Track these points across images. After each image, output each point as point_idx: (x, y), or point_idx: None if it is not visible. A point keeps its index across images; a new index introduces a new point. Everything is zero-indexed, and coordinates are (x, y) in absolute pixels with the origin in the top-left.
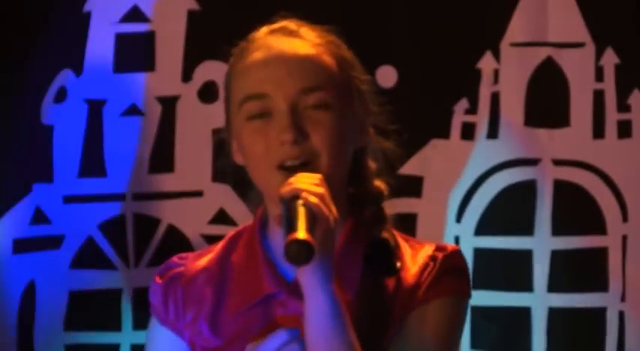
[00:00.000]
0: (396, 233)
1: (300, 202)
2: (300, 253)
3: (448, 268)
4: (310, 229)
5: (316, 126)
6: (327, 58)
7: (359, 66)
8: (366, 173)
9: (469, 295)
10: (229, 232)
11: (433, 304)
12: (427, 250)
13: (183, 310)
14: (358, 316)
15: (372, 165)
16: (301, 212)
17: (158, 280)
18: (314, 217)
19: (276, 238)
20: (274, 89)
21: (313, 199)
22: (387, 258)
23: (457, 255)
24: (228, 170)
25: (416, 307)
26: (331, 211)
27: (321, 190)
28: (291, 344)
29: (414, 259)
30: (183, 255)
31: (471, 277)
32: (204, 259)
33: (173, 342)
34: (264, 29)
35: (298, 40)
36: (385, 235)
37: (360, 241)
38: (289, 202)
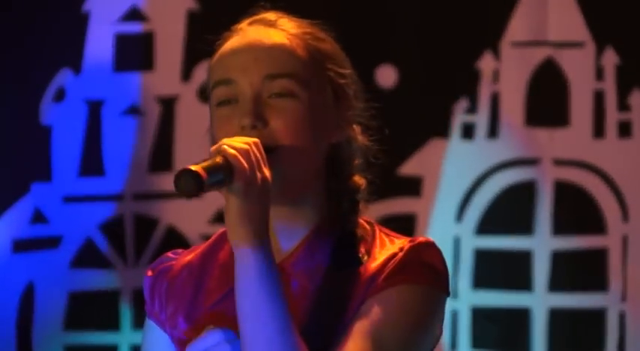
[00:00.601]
0: (378, 228)
1: (220, 153)
2: (187, 181)
3: (413, 258)
4: (215, 172)
5: (277, 113)
6: (298, 48)
7: (340, 60)
8: (344, 168)
9: (440, 289)
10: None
11: (390, 291)
12: (400, 242)
13: (166, 303)
14: (318, 306)
15: (352, 160)
16: (214, 160)
17: (149, 273)
18: (229, 168)
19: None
20: (240, 75)
21: (231, 151)
22: (351, 249)
23: (426, 246)
24: None
25: (373, 295)
26: (258, 168)
27: (245, 146)
28: (223, 345)
29: (384, 250)
30: (179, 250)
31: (444, 272)
32: (191, 254)
33: (158, 335)
34: (246, 20)
35: (273, 30)
36: (356, 227)
37: (333, 234)
38: (211, 156)
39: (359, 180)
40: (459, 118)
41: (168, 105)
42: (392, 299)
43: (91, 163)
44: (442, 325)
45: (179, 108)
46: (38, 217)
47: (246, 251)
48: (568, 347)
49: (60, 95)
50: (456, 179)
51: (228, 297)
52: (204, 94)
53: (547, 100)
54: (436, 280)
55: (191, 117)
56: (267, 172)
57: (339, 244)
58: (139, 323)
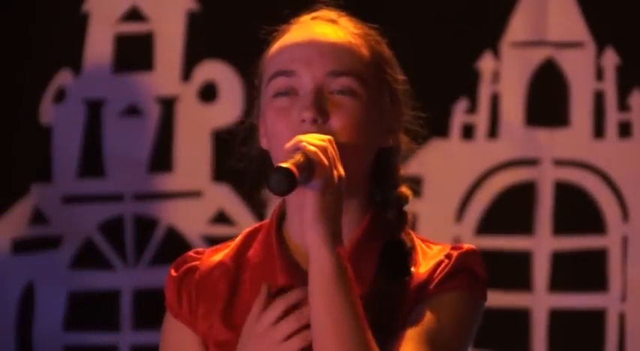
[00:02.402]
0: (415, 236)
1: (300, 151)
2: (279, 179)
3: (461, 266)
4: (302, 170)
5: (338, 109)
6: (361, 48)
7: (395, 65)
8: (392, 176)
9: (482, 297)
10: (232, 231)
11: (441, 298)
12: (443, 248)
13: (196, 303)
14: (367, 313)
15: (398, 168)
16: (297, 157)
17: (173, 273)
18: (310, 165)
19: (293, 230)
20: (303, 68)
21: (311, 148)
22: (401, 259)
23: (472, 254)
24: (249, 160)
25: (423, 301)
26: (335, 166)
27: (324, 143)
28: (293, 316)
29: (427, 258)
30: (200, 250)
31: (485, 280)
32: (219, 254)
33: (187, 335)
34: (307, 15)
35: (336, 27)
36: (403, 237)
37: (377, 241)
38: (290, 153)
39: (406, 191)
40: (459, 118)
41: (168, 105)
42: (443, 305)
43: (91, 163)
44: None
45: (179, 108)
46: (38, 217)
47: (324, 249)
48: (568, 347)
49: (60, 95)
50: (456, 179)
51: (271, 299)
52: (204, 95)
53: (547, 100)
54: (481, 288)
55: (191, 117)
56: (342, 170)
57: (389, 253)
58: (139, 323)
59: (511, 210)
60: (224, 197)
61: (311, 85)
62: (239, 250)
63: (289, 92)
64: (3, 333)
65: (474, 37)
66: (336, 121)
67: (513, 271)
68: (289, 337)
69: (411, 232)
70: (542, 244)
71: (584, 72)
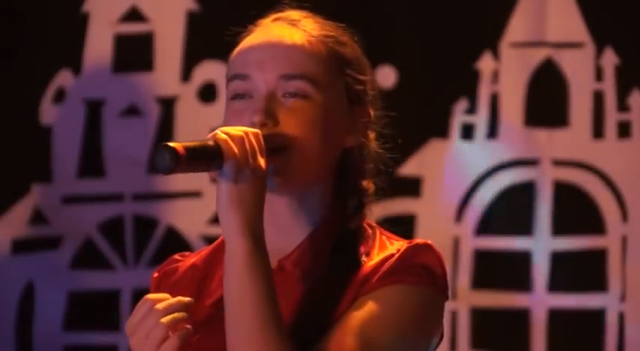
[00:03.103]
0: (380, 230)
1: (212, 137)
2: (163, 156)
3: (409, 259)
4: (201, 154)
5: (289, 113)
6: (317, 51)
7: (360, 66)
8: (356, 174)
9: (437, 291)
10: None
11: (382, 291)
12: (398, 244)
13: None
14: (312, 303)
15: (363, 165)
16: (205, 142)
17: (155, 275)
18: (219, 152)
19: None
20: (256, 72)
21: (222, 135)
22: (351, 248)
23: (423, 248)
24: None
25: (366, 293)
26: (252, 156)
27: (240, 133)
28: (152, 311)
29: (382, 252)
30: (186, 253)
31: (441, 274)
32: (196, 257)
33: None
34: (271, 16)
35: (294, 29)
36: (358, 228)
37: (335, 233)
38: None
39: (367, 184)
40: (458, 118)
41: (167, 105)
42: (384, 298)
43: (91, 163)
44: (441, 329)
45: (179, 108)
46: (38, 218)
47: (235, 236)
48: (567, 347)
49: (60, 95)
50: (456, 179)
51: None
52: (204, 95)
53: (546, 100)
54: (432, 282)
55: (191, 117)
56: (261, 162)
57: (340, 243)
58: None
59: (511, 210)
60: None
61: (264, 89)
62: (214, 250)
63: (245, 95)
64: (3, 333)
65: (473, 38)
66: (286, 124)
67: (513, 271)
68: (162, 343)
69: (376, 227)
70: (542, 245)
71: (583, 72)
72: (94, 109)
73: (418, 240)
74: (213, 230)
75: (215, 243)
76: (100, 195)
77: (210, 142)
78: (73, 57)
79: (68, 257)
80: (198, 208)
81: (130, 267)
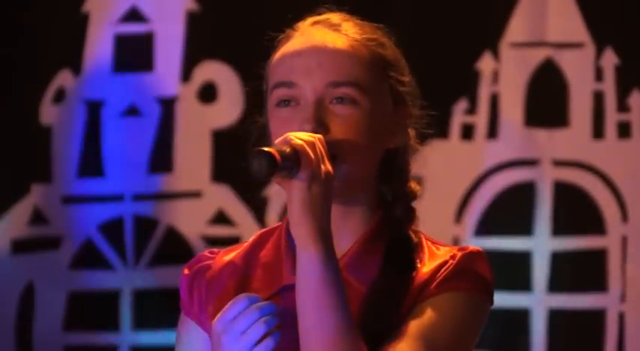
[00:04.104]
0: (423, 235)
1: (287, 144)
2: (260, 162)
3: (466, 267)
4: (287, 159)
5: (339, 120)
6: (362, 55)
7: (401, 67)
8: (399, 174)
9: (486, 299)
10: (232, 231)
11: (441, 298)
12: (449, 249)
13: (206, 302)
14: (369, 309)
15: (408, 166)
16: (283, 148)
17: (186, 271)
18: (296, 156)
19: None
20: (303, 79)
21: (298, 141)
22: (406, 255)
23: (477, 255)
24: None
25: (425, 300)
26: (322, 161)
27: (312, 138)
28: (251, 309)
29: (433, 258)
30: (215, 250)
31: (491, 282)
32: (231, 254)
33: (196, 333)
34: (309, 19)
35: (337, 34)
36: (409, 233)
37: (384, 237)
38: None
39: (415, 187)
40: (458, 118)
41: (168, 105)
42: (444, 305)
43: (91, 163)
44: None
45: (179, 108)
46: (38, 218)
47: (310, 241)
48: (567, 348)
49: (60, 95)
50: (456, 179)
51: (276, 297)
52: (204, 95)
53: (546, 100)
54: (485, 290)
55: (191, 117)
56: (330, 167)
57: (394, 248)
58: (138, 323)
59: (511, 210)
60: (224, 197)
61: (311, 97)
62: (251, 249)
63: (291, 102)
64: (3, 333)
65: (473, 38)
66: (336, 132)
67: (513, 271)
68: (257, 343)
69: (420, 231)
70: (542, 245)
71: (583, 72)
72: (94, 109)
73: (470, 247)
74: (213, 230)
75: (251, 240)
76: (100, 195)
77: (287, 148)
78: (73, 57)
79: (68, 257)
80: (198, 208)
81: (130, 267)
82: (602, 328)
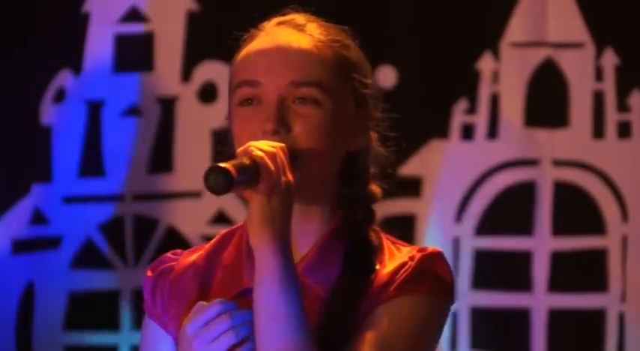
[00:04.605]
0: (385, 236)
1: (247, 155)
2: (216, 178)
3: (425, 268)
4: (245, 172)
5: (300, 119)
6: (326, 56)
7: (364, 69)
8: (360, 176)
9: (447, 299)
10: (223, 231)
11: (400, 300)
12: (409, 250)
13: (169, 304)
14: (328, 313)
15: (369, 168)
16: (241, 160)
17: (149, 273)
18: (256, 169)
19: None
20: (266, 78)
21: (258, 153)
22: (365, 257)
23: (436, 257)
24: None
25: (383, 303)
26: (283, 172)
27: (272, 150)
28: (224, 317)
29: (394, 259)
30: (178, 251)
31: (452, 282)
32: (194, 256)
33: (160, 335)
34: (274, 20)
35: (302, 34)
36: (369, 235)
37: (344, 240)
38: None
39: (375, 189)
40: (458, 118)
41: (168, 105)
42: (402, 308)
43: (91, 163)
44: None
45: (179, 108)
46: (38, 218)
47: (268, 253)
48: (567, 347)
49: (60, 95)
50: (456, 179)
51: (235, 300)
52: (204, 95)
53: (546, 100)
54: (445, 291)
55: (191, 117)
56: (291, 177)
57: (353, 251)
58: (138, 323)
59: (511, 210)
60: (224, 198)
61: (274, 96)
62: (213, 251)
63: (253, 101)
64: (3, 333)
65: (473, 38)
66: (298, 131)
67: (513, 271)
68: (219, 337)
69: (380, 232)
70: (542, 244)
71: (583, 72)
72: (94, 109)
73: (429, 248)
74: (213, 230)
75: (213, 241)
76: (100, 195)
77: (246, 160)
78: (73, 57)
79: (68, 257)
80: (198, 208)
81: (130, 267)
82: (602, 328)
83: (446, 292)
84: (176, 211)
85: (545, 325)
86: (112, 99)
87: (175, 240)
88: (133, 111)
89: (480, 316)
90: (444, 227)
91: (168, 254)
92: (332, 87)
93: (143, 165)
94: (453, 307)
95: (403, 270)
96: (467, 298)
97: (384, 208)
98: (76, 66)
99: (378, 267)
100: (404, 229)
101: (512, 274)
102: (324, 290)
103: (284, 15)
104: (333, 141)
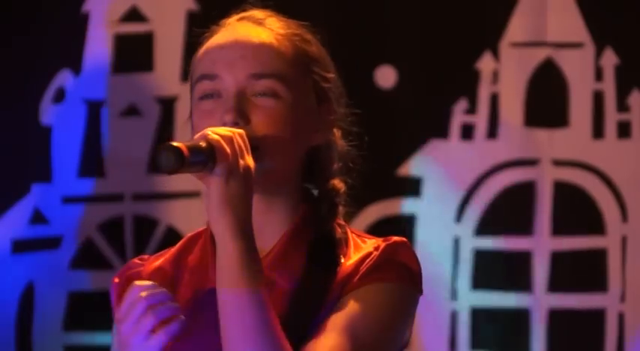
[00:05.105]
0: (351, 229)
1: (203, 139)
2: (167, 156)
3: (389, 257)
4: (198, 154)
5: (260, 111)
6: (285, 50)
7: (325, 64)
8: (324, 172)
9: (413, 288)
10: (188, 234)
11: (365, 289)
12: (373, 241)
13: None
14: (294, 307)
15: (332, 164)
16: (197, 142)
17: (116, 280)
18: (212, 152)
19: None
20: (225, 71)
21: (214, 136)
22: (329, 251)
23: (400, 246)
24: None
25: (348, 293)
26: (241, 155)
27: (229, 133)
28: (139, 297)
29: (359, 251)
30: (145, 256)
31: (418, 271)
32: (161, 260)
33: None
34: (234, 16)
35: (261, 28)
36: (332, 229)
37: (308, 234)
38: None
39: (338, 184)
40: (458, 118)
41: (168, 105)
42: (367, 297)
43: (91, 163)
44: (412, 326)
45: (179, 108)
46: (38, 218)
47: (228, 237)
48: (567, 348)
49: (60, 95)
50: (456, 179)
51: (204, 301)
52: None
53: (546, 100)
54: (410, 280)
55: None
56: (250, 161)
57: (317, 245)
58: None
59: (511, 210)
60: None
61: (233, 88)
62: (179, 254)
63: (214, 95)
64: (3, 333)
65: (473, 38)
66: (257, 123)
67: (513, 271)
68: (153, 331)
69: (345, 226)
70: (542, 244)
71: (583, 72)
72: (94, 109)
73: (394, 237)
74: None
75: (178, 244)
76: (100, 195)
77: (203, 143)
78: (73, 57)
79: (68, 257)
80: (198, 208)
81: None
82: (602, 328)
83: (412, 280)
84: (176, 211)
85: (545, 325)
86: (112, 99)
87: (175, 240)
88: (133, 111)
89: (480, 316)
90: (444, 227)
91: (135, 260)
92: (291, 80)
93: (143, 165)
94: (452, 307)
95: (368, 260)
96: (466, 298)
97: (385, 208)
98: (76, 66)
99: (342, 260)
100: (404, 228)
101: (512, 274)
102: (289, 284)
103: (244, 11)
104: (293, 133)
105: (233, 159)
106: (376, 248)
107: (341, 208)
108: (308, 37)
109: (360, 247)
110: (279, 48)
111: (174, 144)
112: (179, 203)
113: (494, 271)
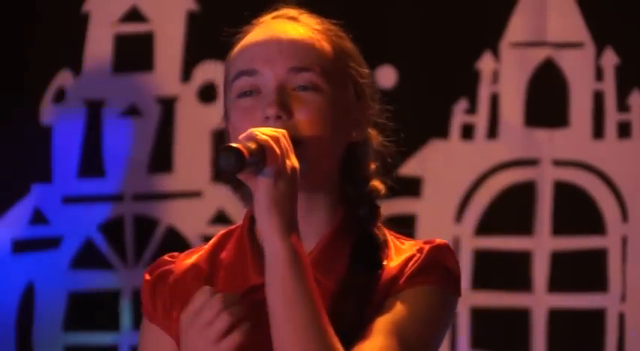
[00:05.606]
0: (388, 232)
1: (252, 139)
2: (228, 157)
3: (433, 260)
4: (253, 155)
5: (302, 105)
6: (322, 44)
7: (359, 59)
8: (362, 171)
9: (454, 292)
10: (220, 231)
11: (411, 292)
12: (415, 244)
13: (171, 306)
14: (338, 306)
15: (370, 163)
16: (248, 144)
17: (147, 277)
18: (262, 152)
19: None
20: (264, 66)
21: (263, 136)
22: (372, 253)
23: (444, 249)
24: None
25: (394, 295)
26: (287, 156)
27: (276, 133)
28: (212, 301)
29: (400, 253)
30: (175, 253)
31: (459, 275)
32: (193, 257)
33: (162, 339)
34: (268, 15)
35: (297, 24)
36: (375, 231)
37: (349, 236)
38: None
39: (379, 185)
40: (458, 118)
41: (168, 105)
42: (413, 299)
43: (91, 163)
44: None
45: (179, 108)
46: (38, 218)
47: (278, 239)
48: (567, 347)
49: (60, 95)
50: (456, 179)
51: (244, 299)
52: (204, 95)
53: (546, 100)
54: (453, 283)
55: (191, 117)
56: (295, 162)
57: (360, 246)
58: (138, 323)
59: (511, 210)
60: (224, 197)
61: (273, 83)
62: (212, 251)
63: (253, 92)
64: (3, 333)
65: (473, 38)
66: (300, 117)
67: (513, 271)
68: (224, 335)
69: (383, 228)
70: (542, 244)
71: (583, 72)
72: (94, 109)
73: (437, 240)
74: (213, 230)
75: (211, 242)
76: (100, 195)
77: (252, 144)
78: (73, 57)
79: (68, 257)
80: (198, 208)
81: (130, 267)
82: (602, 328)
83: (454, 284)
84: (176, 211)
85: (545, 325)
86: (112, 99)
87: (175, 240)
88: (133, 111)
89: (480, 316)
90: (444, 227)
91: (165, 257)
92: (331, 73)
93: (143, 165)
94: None
95: (412, 262)
96: (467, 298)
97: (384, 208)
98: (76, 66)
99: (385, 262)
100: (404, 228)
101: (512, 274)
102: (333, 284)
103: (277, 10)
104: (335, 128)
105: (282, 160)
106: (420, 250)
107: (382, 210)
108: (341, 34)
109: (400, 249)
110: (317, 41)
111: (235, 145)
112: (179, 203)
113: (494, 271)
